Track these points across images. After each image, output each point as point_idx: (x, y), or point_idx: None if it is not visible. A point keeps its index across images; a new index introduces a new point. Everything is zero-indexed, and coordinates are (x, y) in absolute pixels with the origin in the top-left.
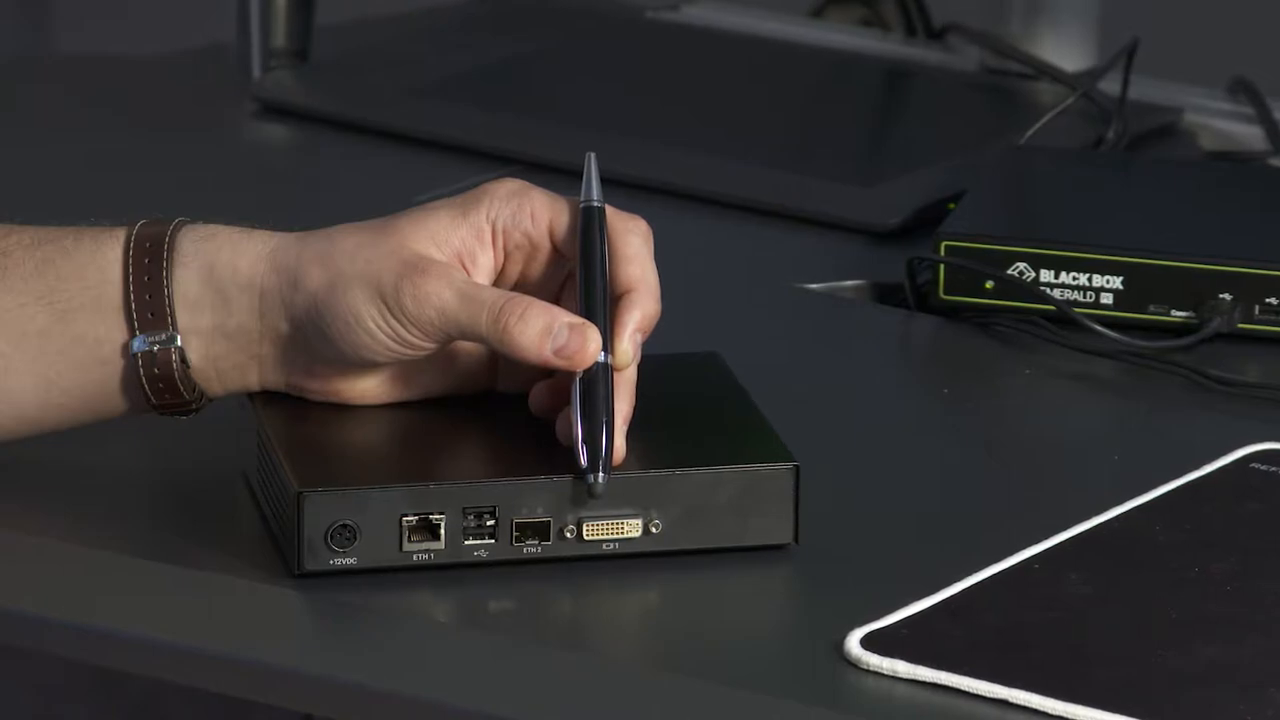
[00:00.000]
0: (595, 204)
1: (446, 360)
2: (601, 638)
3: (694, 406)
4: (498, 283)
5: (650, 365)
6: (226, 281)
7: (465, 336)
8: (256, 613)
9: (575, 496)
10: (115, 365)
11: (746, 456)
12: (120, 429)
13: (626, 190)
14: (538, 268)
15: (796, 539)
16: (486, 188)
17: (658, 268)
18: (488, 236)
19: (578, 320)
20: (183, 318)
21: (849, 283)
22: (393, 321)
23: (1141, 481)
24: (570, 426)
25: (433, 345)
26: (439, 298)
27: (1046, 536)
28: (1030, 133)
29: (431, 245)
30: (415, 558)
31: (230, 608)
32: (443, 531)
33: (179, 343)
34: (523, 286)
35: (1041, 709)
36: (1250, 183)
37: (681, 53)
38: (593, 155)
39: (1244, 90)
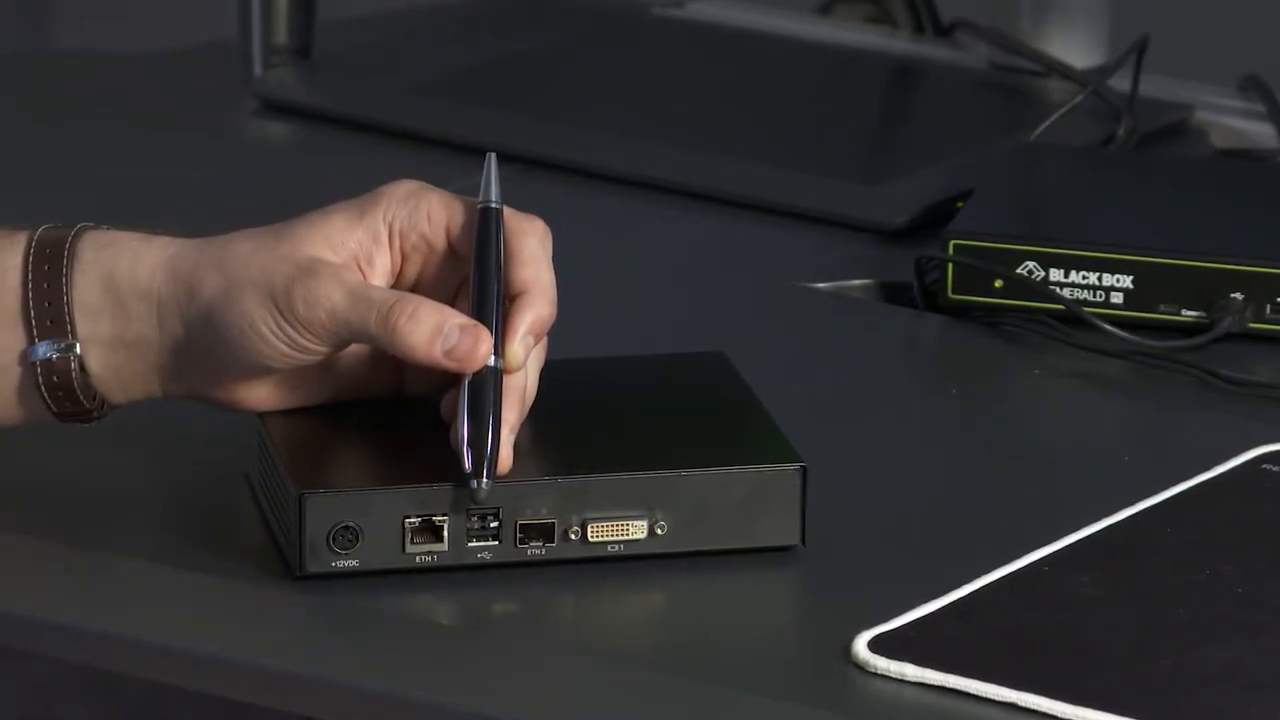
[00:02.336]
0: (493, 205)
1: (348, 364)
2: (606, 641)
3: (700, 406)
4: (396, 284)
5: (657, 364)
6: (125, 290)
7: (356, 337)
8: (258, 615)
9: (579, 497)
10: (13, 373)
11: (753, 457)
12: (121, 429)
13: (629, 189)
14: (434, 269)
15: (803, 540)
16: (384, 190)
17: (659, 267)
18: (384, 238)
19: (469, 321)
20: (82, 326)
21: (856, 282)
22: (285, 325)
23: (1151, 483)
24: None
25: (326, 348)
26: (329, 299)
27: (1056, 538)
28: (1039, 130)
29: (327, 248)
30: (418, 560)
31: (231, 610)
32: (446, 533)
33: (78, 351)
34: (421, 288)
35: (1050, 712)
36: (1261, 181)
37: (687, 50)
38: (493, 156)
39: (1255, 88)
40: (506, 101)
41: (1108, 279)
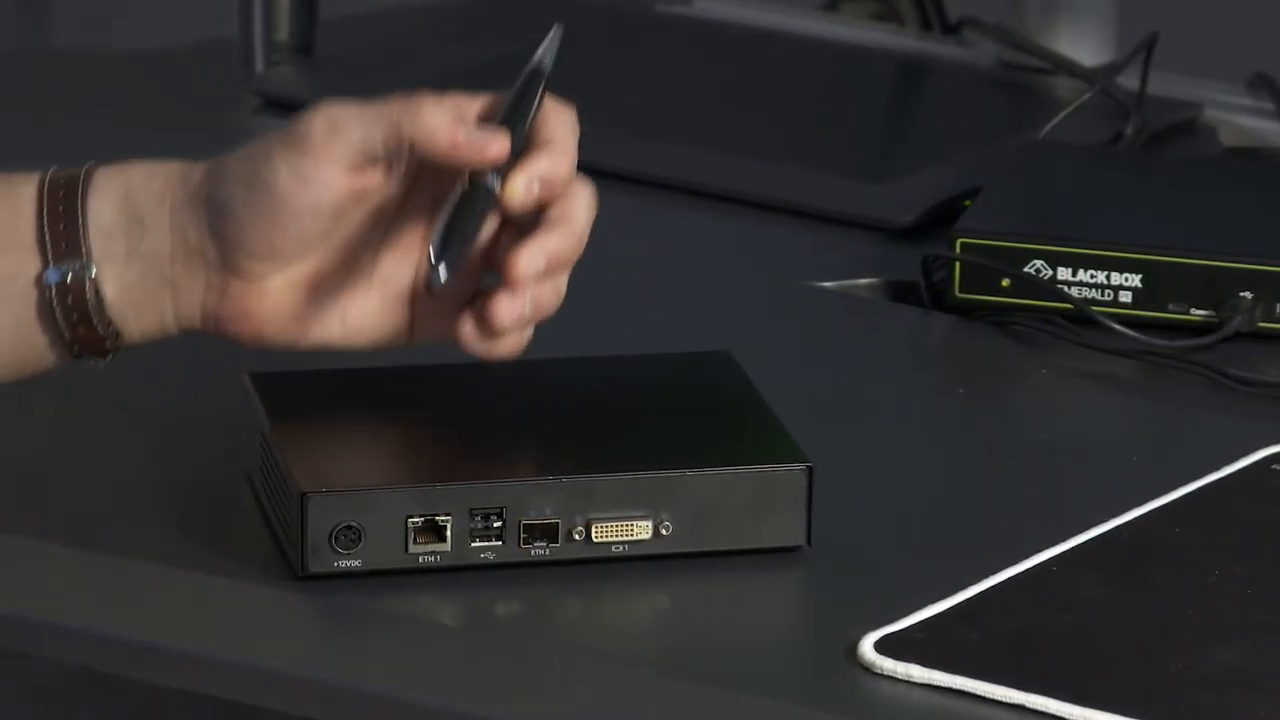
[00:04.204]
0: (543, 68)
1: (359, 305)
2: (610, 642)
3: (705, 406)
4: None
5: (662, 364)
6: (140, 202)
7: (373, 139)
8: (260, 616)
9: (583, 496)
10: (29, 300)
11: (759, 457)
12: (122, 429)
13: (636, 187)
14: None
15: (809, 541)
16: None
17: (664, 266)
18: (398, 149)
19: (477, 126)
20: (97, 247)
21: (863, 281)
22: (298, 161)
23: (1161, 483)
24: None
25: (342, 179)
26: (334, 117)
27: (1064, 538)
28: (1047, 128)
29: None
30: (421, 560)
31: (233, 611)
32: (449, 533)
33: (93, 273)
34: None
35: (1058, 714)
36: (1271, 179)
37: (691, 47)
38: (559, 27)
39: (1264, 86)
40: None
41: (1116, 278)
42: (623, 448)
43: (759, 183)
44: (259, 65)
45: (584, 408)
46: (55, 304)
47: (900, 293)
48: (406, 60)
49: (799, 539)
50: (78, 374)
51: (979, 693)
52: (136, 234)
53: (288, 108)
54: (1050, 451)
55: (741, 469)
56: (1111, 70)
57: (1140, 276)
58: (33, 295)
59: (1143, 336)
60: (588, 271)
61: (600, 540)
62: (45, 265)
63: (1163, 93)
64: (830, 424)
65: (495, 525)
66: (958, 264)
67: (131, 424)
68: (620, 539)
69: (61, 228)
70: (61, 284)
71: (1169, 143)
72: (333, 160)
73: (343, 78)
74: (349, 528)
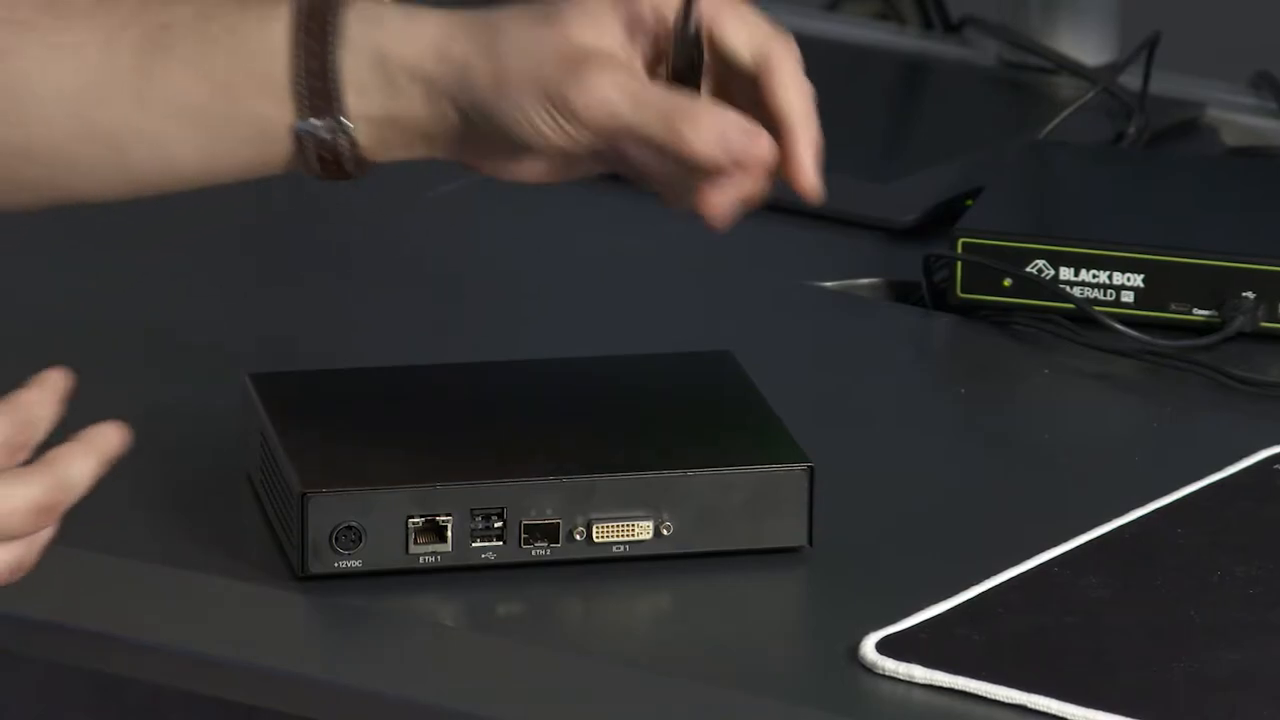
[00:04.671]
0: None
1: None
2: (611, 642)
3: (706, 406)
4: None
5: (661, 364)
6: (395, 69)
7: (635, 139)
8: (259, 616)
9: (584, 497)
10: (282, 143)
11: (760, 457)
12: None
13: (636, 188)
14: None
15: (810, 541)
16: None
17: (666, 265)
18: (649, 25)
19: (746, 124)
20: (351, 102)
21: (864, 280)
22: (560, 120)
23: (1163, 483)
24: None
25: (603, 141)
26: (608, 100)
27: (1066, 539)
28: (1049, 128)
29: (594, 33)
30: (422, 560)
31: (233, 611)
32: (450, 533)
33: (349, 129)
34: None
35: (1061, 714)
36: (1273, 178)
37: None
38: None
39: (1267, 85)
40: None
41: (1118, 278)
42: (623, 448)
43: None
44: None
45: (585, 408)
46: (309, 151)
47: (902, 292)
48: None
49: (800, 539)
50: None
51: (981, 693)
52: (390, 98)
53: None
54: (1052, 451)
55: (742, 469)
56: (1114, 69)
57: (1142, 276)
58: (286, 140)
59: (1145, 336)
60: (589, 270)
61: (601, 540)
62: (301, 116)
63: (1165, 92)
64: (831, 424)
65: (496, 525)
66: (959, 264)
67: (131, 423)
68: (621, 539)
69: (317, 83)
70: (316, 136)
71: (1171, 142)
72: (591, 133)
73: None
74: (349, 528)
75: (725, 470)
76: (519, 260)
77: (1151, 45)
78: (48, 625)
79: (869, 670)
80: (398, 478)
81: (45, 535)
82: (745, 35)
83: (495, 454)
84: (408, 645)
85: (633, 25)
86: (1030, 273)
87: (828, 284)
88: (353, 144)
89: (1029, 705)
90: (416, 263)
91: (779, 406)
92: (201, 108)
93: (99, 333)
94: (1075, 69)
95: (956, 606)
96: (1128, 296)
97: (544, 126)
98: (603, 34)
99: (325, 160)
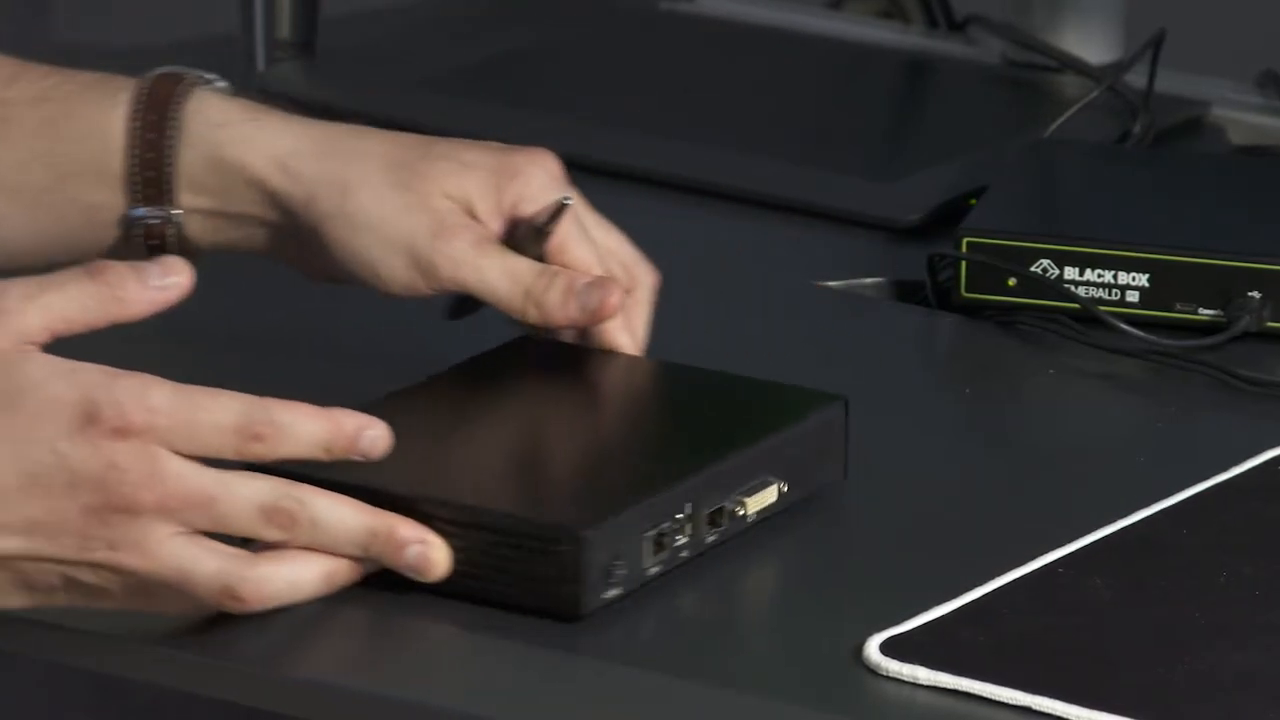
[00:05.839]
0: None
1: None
2: (613, 643)
3: (713, 395)
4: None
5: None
6: (234, 175)
7: (489, 300)
8: (260, 616)
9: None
10: (112, 229)
11: (805, 408)
12: None
13: (640, 186)
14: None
15: (845, 474)
16: (525, 166)
17: (669, 264)
18: (506, 210)
19: (596, 280)
20: (185, 197)
21: (868, 280)
22: (419, 279)
23: (1168, 483)
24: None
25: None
26: (479, 270)
27: (1070, 540)
28: (1054, 127)
29: (453, 201)
30: (653, 571)
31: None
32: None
33: (177, 220)
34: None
35: (1065, 716)
36: (1279, 178)
37: (697, 44)
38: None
39: (1272, 83)
40: (514, 97)
41: (1123, 277)
42: (725, 430)
43: (764, 181)
44: (260, 63)
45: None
46: (141, 235)
47: (906, 292)
48: (408, 57)
49: (840, 474)
50: None
51: (985, 695)
52: (225, 198)
53: (289, 105)
54: (1057, 452)
55: (814, 415)
56: (1119, 68)
57: (1147, 276)
58: (116, 227)
59: (1150, 336)
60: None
61: (746, 514)
62: (132, 204)
63: (1170, 91)
64: None
65: (684, 521)
66: (964, 263)
67: None
68: (758, 509)
69: (151, 174)
70: (146, 224)
71: (1177, 141)
72: (443, 288)
73: (344, 76)
74: (616, 558)
75: (801, 423)
76: None
77: (1157, 44)
78: (49, 625)
79: (872, 672)
80: (631, 494)
81: (277, 574)
82: (588, 260)
83: (665, 452)
84: (407, 646)
85: (494, 213)
86: (1035, 272)
87: (831, 283)
88: (181, 233)
89: (1033, 707)
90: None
91: None
92: (34, 189)
93: None
94: (1080, 68)
95: (960, 608)
96: (1133, 296)
97: (393, 273)
98: (458, 203)
99: (155, 243)
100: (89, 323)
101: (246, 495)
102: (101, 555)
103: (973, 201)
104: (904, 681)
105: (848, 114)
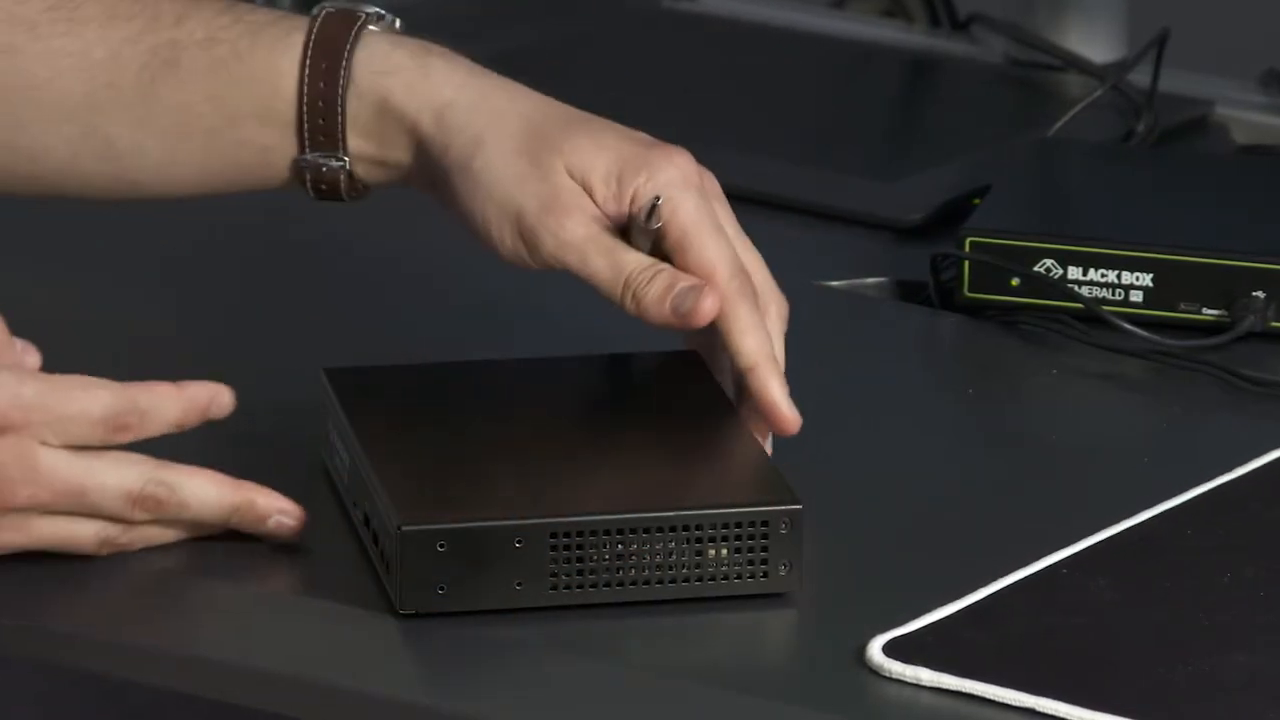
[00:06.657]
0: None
1: None
2: (614, 645)
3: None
4: None
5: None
6: (395, 123)
7: (588, 281)
8: (263, 618)
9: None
10: (280, 172)
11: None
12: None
13: None
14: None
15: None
16: (654, 165)
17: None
18: (626, 200)
19: (694, 283)
20: (353, 143)
21: (871, 280)
22: (522, 249)
23: (1172, 484)
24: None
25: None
26: (582, 249)
27: (1074, 540)
28: (1058, 126)
29: (579, 179)
30: None
31: (238, 615)
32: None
33: (349, 167)
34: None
35: (1068, 717)
36: None
37: (700, 43)
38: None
39: (1276, 83)
40: None
41: (1127, 277)
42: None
43: (766, 181)
44: None
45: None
46: (308, 178)
47: (909, 292)
48: None
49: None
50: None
51: (988, 696)
52: (385, 145)
53: None
54: (1060, 452)
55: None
56: (1122, 67)
57: (1151, 276)
58: (285, 170)
59: (1153, 336)
60: None
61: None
62: (301, 149)
63: (1174, 90)
64: (838, 424)
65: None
66: (967, 263)
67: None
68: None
69: (321, 121)
70: (316, 168)
71: (1180, 140)
72: (548, 266)
73: None
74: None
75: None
76: None
77: (1160, 42)
78: (49, 629)
79: (875, 673)
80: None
81: (150, 532)
82: (711, 261)
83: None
84: (406, 647)
85: (612, 199)
86: (1038, 272)
87: (834, 283)
88: (350, 178)
89: (1036, 708)
90: (415, 263)
91: None
92: (204, 130)
93: (78, 331)
94: (1084, 67)
95: (963, 608)
96: (1136, 296)
97: (503, 239)
98: (586, 182)
99: (320, 187)
100: None
101: (114, 484)
102: None
103: (976, 201)
104: (907, 683)
105: (850, 113)
